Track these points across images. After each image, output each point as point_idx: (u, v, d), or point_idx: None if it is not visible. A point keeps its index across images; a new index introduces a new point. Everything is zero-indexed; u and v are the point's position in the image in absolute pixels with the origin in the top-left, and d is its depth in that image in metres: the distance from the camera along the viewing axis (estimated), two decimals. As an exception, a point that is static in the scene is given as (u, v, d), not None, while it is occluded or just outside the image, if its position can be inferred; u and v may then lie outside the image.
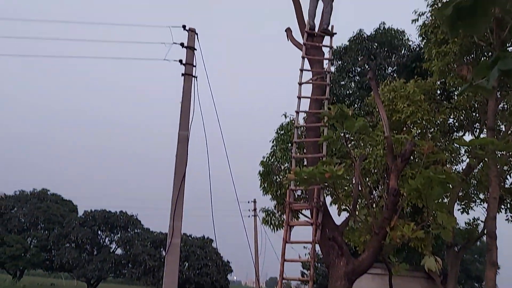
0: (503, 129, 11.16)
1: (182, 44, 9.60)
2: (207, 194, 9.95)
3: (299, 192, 10.48)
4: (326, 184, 6.18)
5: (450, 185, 5.13)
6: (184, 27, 9.72)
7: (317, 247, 6.70)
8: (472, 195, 12.61)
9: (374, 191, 11.97)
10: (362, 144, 11.71)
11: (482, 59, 10.79)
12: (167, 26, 9.48)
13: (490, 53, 10.19)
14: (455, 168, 12.03)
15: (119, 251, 34.23)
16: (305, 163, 9.13)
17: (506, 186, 11.53)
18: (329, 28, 9.25)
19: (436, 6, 11.02)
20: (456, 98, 11.72)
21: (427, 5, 11.61)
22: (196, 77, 9.54)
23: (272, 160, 14.93)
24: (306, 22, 9.33)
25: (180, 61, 9.52)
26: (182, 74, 9.43)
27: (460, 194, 11.96)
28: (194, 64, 9.66)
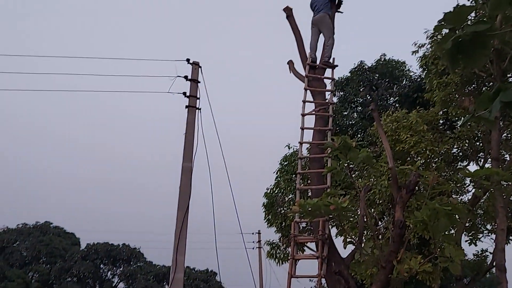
0: (508, 158, 11.11)
1: (186, 77, 9.76)
2: (210, 226, 9.84)
3: (304, 224, 10.36)
4: (331, 216, 6.11)
5: (457, 217, 5.06)
6: (188, 60, 9.92)
7: (323, 281, 6.56)
8: (480, 226, 12.42)
9: (380, 222, 11.81)
10: (366, 175, 11.65)
11: (484, 89, 10.87)
12: (171, 60, 9.69)
13: (491, 83, 10.27)
14: (461, 199, 11.91)
15: (121, 285, 33.63)
16: (310, 194, 9.08)
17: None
18: (331, 60, 9.41)
19: (435, 38, 11.21)
20: (459, 128, 11.75)
21: (427, 37, 11.83)
22: (200, 109, 9.65)
23: (276, 191, 14.84)
24: (307, 54, 9.50)
25: (184, 93, 9.66)
26: (186, 106, 9.54)
27: (467, 224, 11.79)
28: (198, 96, 9.79)
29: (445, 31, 3.15)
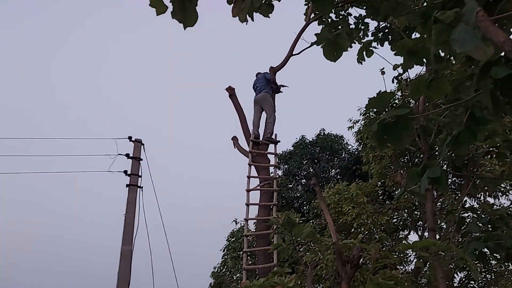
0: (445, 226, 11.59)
1: (127, 155, 9.58)
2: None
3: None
4: (278, 296, 5.91)
5: (401, 290, 5.07)
6: (130, 138, 9.81)
7: None
8: (425, 296, 12.52)
9: (329, 298, 11.58)
10: (313, 248, 11.60)
11: (415, 160, 11.59)
12: (112, 138, 9.54)
13: (421, 156, 11.00)
14: (405, 269, 12.08)
15: None
16: (257, 272, 8.81)
17: (455, 285, 11.62)
18: (273, 136, 9.72)
19: (368, 115, 12.03)
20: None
21: (360, 114, 12.66)
22: (142, 188, 9.38)
23: (224, 270, 14.32)
24: (251, 131, 9.78)
25: (125, 171, 9.41)
26: (127, 185, 9.24)
27: (414, 295, 11.85)
28: (140, 174, 9.57)
29: (375, 110, 3.40)
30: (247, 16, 3.40)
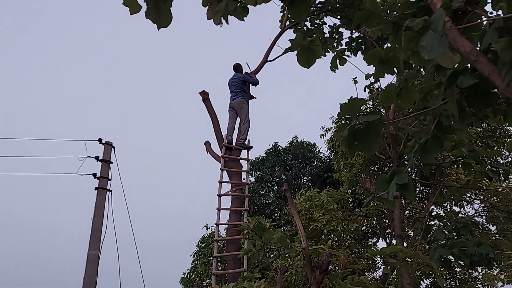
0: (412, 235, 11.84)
1: (97, 158, 9.35)
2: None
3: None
4: (247, 301, 5.87)
5: (369, 295, 5.14)
6: (100, 140, 9.59)
7: None
8: (393, 302, 12.71)
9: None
10: (284, 253, 11.64)
11: (385, 169, 11.82)
12: (82, 140, 9.30)
13: (391, 164, 11.24)
14: (373, 276, 12.25)
15: None
16: (227, 278, 8.75)
17: (421, 291, 11.87)
18: (246, 142, 9.72)
19: (340, 123, 12.20)
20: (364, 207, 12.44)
21: (332, 122, 12.83)
22: (111, 191, 9.17)
23: (193, 276, 14.14)
24: (224, 136, 9.75)
25: (94, 174, 9.18)
26: (96, 188, 9.01)
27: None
28: (110, 177, 9.35)
29: (347, 116, 3.44)
30: (222, 19, 3.39)
